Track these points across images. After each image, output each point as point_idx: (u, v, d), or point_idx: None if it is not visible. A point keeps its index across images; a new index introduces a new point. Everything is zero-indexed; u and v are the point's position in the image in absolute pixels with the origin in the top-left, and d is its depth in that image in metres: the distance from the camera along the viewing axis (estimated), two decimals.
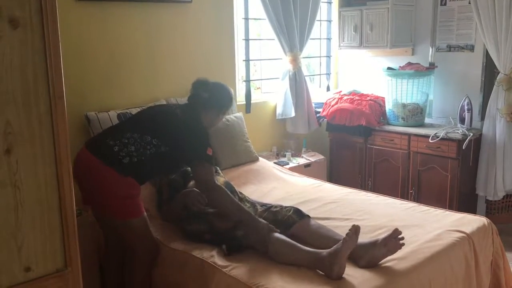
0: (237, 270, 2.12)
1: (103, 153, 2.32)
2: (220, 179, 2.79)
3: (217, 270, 2.16)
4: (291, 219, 2.39)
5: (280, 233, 2.27)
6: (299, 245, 2.16)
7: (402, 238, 2.10)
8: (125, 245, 2.47)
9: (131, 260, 2.44)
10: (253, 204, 2.65)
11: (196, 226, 2.46)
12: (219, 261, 2.21)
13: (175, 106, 2.68)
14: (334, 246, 2.03)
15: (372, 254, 2.08)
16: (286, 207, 2.51)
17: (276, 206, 2.55)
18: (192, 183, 2.73)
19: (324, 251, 2.05)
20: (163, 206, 2.70)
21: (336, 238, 2.25)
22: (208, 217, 2.44)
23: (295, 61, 4.13)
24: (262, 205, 2.62)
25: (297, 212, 2.44)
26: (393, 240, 2.09)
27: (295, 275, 2.05)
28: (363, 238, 2.27)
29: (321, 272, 2.04)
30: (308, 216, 2.43)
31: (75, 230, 1.42)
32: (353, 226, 2.05)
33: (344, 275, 2.00)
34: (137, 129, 2.39)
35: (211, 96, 2.60)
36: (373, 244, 2.10)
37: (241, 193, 2.78)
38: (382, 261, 2.11)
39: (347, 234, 2.01)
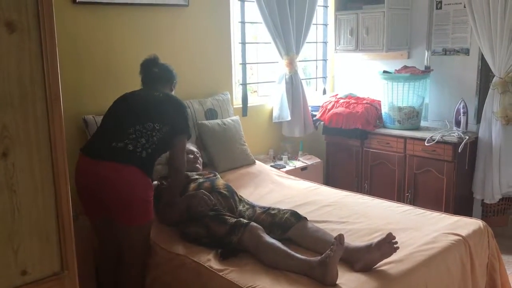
0: (234, 273, 2.12)
1: (122, 156, 2.32)
2: (220, 182, 2.79)
3: (213, 274, 2.16)
4: (289, 222, 2.40)
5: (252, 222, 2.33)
6: (292, 253, 2.16)
7: (396, 242, 2.10)
8: (125, 248, 2.45)
9: (128, 261, 2.45)
10: (252, 206, 2.67)
11: (194, 229, 2.46)
12: (215, 265, 2.21)
13: (143, 90, 2.70)
14: (323, 255, 2.03)
15: (367, 258, 2.09)
16: (283, 210, 2.52)
17: (274, 209, 2.56)
18: (193, 185, 2.73)
19: (315, 261, 2.05)
20: (160, 209, 2.69)
21: (331, 241, 2.26)
22: (205, 221, 2.44)
23: (291, 64, 4.14)
24: (261, 207, 2.64)
25: (294, 214, 2.45)
26: (387, 245, 2.09)
27: (291, 279, 2.05)
28: (358, 242, 2.28)
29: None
30: (305, 218, 2.44)
31: (71, 234, 1.42)
32: (337, 236, 2.04)
33: (339, 279, 2.00)
34: (135, 122, 2.41)
35: (161, 70, 2.74)
36: (368, 248, 2.11)
37: (240, 196, 2.79)
38: (378, 264, 2.11)
39: (330, 249, 2.00)
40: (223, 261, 2.23)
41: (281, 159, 4.17)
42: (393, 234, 2.11)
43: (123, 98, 2.60)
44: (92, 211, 2.47)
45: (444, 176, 3.69)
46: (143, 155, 2.35)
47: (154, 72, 2.71)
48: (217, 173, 3.02)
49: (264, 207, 2.63)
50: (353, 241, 2.30)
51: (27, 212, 1.33)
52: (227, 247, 2.28)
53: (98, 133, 2.54)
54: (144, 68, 2.75)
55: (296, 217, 2.42)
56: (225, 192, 2.68)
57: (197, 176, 2.83)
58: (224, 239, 2.30)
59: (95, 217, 2.50)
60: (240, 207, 2.66)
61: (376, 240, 2.13)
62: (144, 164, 2.36)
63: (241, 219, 2.39)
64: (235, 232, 2.28)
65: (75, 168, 2.39)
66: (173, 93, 2.83)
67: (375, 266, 2.11)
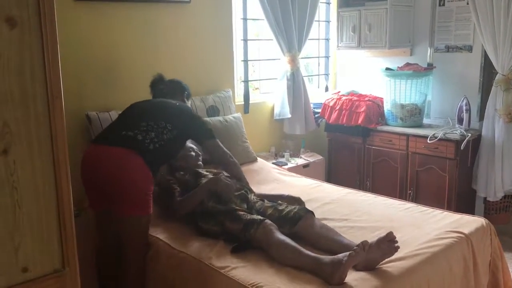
0: (235, 271, 2.12)
1: (130, 143, 2.38)
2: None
3: (214, 272, 2.16)
4: (297, 215, 2.42)
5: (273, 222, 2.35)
6: (302, 249, 2.16)
7: (397, 241, 2.09)
8: (124, 241, 2.46)
9: (127, 256, 2.45)
10: (261, 199, 2.71)
11: (212, 227, 2.48)
12: (216, 262, 2.21)
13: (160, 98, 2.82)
14: (340, 255, 2.02)
15: (368, 257, 2.07)
16: (291, 205, 2.55)
17: (281, 204, 2.59)
18: (204, 180, 2.75)
19: (327, 258, 2.05)
20: (176, 199, 2.70)
21: (337, 239, 2.27)
22: (220, 219, 2.46)
23: (293, 61, 4.13)
24: (269, 200, 2.68)
25: (302, 208, 2.48)
26: (387, 243, 2.07)
27: (293, 275, 2.05)
28: (360, 240, 2.27)
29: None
30: (312, 212, 2.46)
31: (72, 231, 1.41)
32: (362, 242, 2.03)
33: None
34: (149, 118, 2.49)
35: (168, 87, 2.86)
36: (369, 247, 2.10)
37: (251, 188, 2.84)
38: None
39: (354, 250, 2.00)
40: (231, 254, 2.27)
41: (283, 156, 4.16)
42: (395, 232, 2.10)
43: (139, 102, 2.71)
44: (95, 201, 2.50)
45: (447, 174, 3.68)
46: (150, 147, 2.40)
47: (161, 89, 2.83)
48: (223, 172, 3.02)
49: (272, 201, 2.66)
50: (356, 238, 2.29)
51: (28, 209, 1.33)
52: (242, 242, 2.31)
53: (110, 125, 2.65)
54: (152, 88, 2.89)
55: (304, 211, 2.45)
56: (237, 184, 2.73)
57: (206, 173, 2.85)
58: (239, 235, 2.33)
59: (97, 208, 2.53)
60: (251, 197, 2.70)
61: (376, 238, 2.12)
62: (149, 156, 2.39)
63: (255, 216, 2.40)
64: (249, 228, 2.30)
65: (82, 157, 2.45)
66: (188, 103, 2.95)
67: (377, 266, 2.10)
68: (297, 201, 2.72)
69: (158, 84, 2.86)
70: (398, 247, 2.09)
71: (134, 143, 2.38)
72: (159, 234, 2.55)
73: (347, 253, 2.00)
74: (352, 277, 2.01)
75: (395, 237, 2.09)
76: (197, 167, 2.92)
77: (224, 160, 2.74)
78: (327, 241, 2.27)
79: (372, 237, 2.26)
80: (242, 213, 2.43)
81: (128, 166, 2.35)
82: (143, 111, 2.57)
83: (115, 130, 2.49)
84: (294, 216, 2.42)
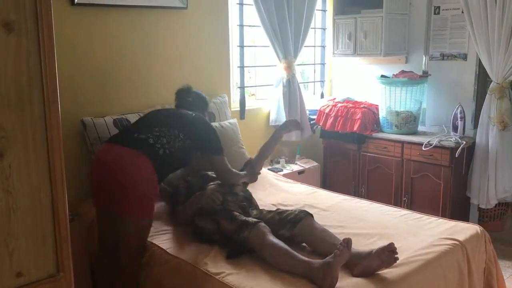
0: (230, 277, 2.12)
1: (140, 145, 2.41)
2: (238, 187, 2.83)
3: (210, 277, 2.15)
4: (298, 217, 2.43)
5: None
6: (295, 253, 2.17)
7: (397, 253, 2.10)
8: (120, 243, 2.45)
9: (122, 259, 2.44)
10: (260, 210, 2.73)
11: (207, 224, 2.49)
12: (212, 268, 2.21)
13: (180, 109, 2.85)
14: (327, 257, 2.04)
15: (365, 264, 2.08)
16: (291, 209, 2.57)
17: (280, 209, 2.61)
18: (211, 185, 2.77)
19: (317, 262, 2.06)
20: (178, 207, 2.72)
21: (336, 244, 2.26)
22: (216, 218, 2.47)
23: (289, 68, 4.14)
24: (267, 210, 2.69)
25: (303, 211, 2.49)
26: (387, 253, 2.08)
27: (287, 281, 2.05)
28: (358, 246, 2.27)
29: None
30: (312, 215, 2.47)
31: (67, 235, 1.41)
32: (345, 239, 2.05)
33: (337, 283, 1.99)
34: (163, 124, 2.54)
35: (195, 100, 2.87)
36: (368, 254, 2.11)
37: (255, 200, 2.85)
38: None
39: (338, 248, 2.01)
40: (226, 260, 2.27)
41: (278, 162, 4.17)
42: (390, 239, 2.11)
43: (156, 110, 2.78)
44: (98, 198, 2.50)
45: (441, 181, 3.69)
46: (160, 152, 2.43)
47: (188, 101, 2.86)
48: None
49: (271, 211, 2.67)
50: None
51: (23, 213, 1.32)
52: (235, 244, 2.31)
53: (124, 128, 2.73)
54: (178, 97, 2.91)
55: (304, 213, 2.46)
56: (241, 193, 2.75)
57: (214, 175, 2.88)
58: (234, 236, 2.33)
59: (99, 205, 2.52)
60: (251, 210, 2.70)
61: (377, 247, 2.13)
62: (158, 161, 2.41)
63: (250, 218, 2.41)
64: (243, 230, 2.31)
65: (93, 155, 2.53)
66: (206, 118, 2.95)
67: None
68: (292, 124, 3.04)
69: (185, 95, 2.88)
70: (397, 258, 2.09)
71: (145, 146, 2.41)
72: (153, 239, 2.54)
73: (332, 255, 2.01)
74: (347, 283, 2.01)
75: (396, 248, 2.09)
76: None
77: (224, 179, 2.76)
78: (328, 245, 2.26)
79: (367, 244, 2.28)
80: (237, 214, 2.45)
81: (134, 166, 2.36)
82: (158, 118, 2.63)
83: (129, 133, 2.55)
84: (294, 218, 2.43)
